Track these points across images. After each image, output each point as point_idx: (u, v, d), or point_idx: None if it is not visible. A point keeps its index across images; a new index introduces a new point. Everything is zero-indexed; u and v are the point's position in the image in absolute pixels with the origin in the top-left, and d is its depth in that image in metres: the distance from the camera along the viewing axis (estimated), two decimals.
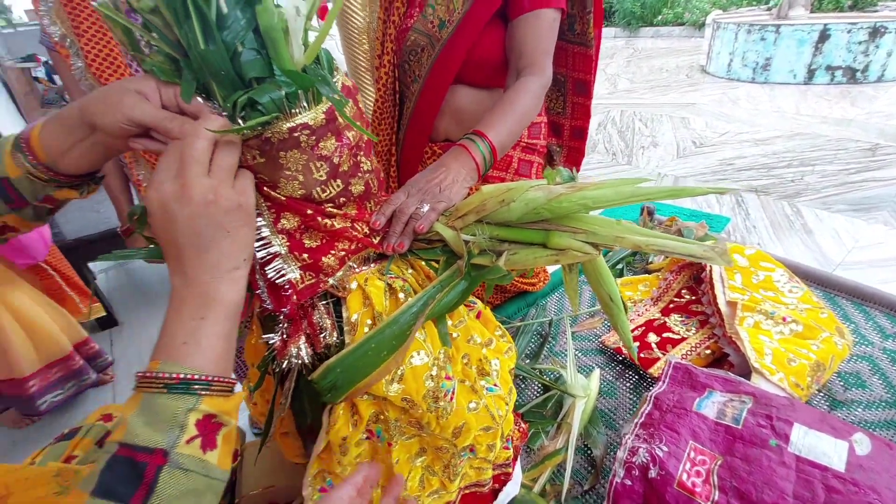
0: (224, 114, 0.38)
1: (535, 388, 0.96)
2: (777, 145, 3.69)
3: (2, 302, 1.52)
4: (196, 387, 0.35)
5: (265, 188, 0.42)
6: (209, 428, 0.35)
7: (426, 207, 0.54)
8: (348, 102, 0.44)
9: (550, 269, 1.32)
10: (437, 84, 0.92)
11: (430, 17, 0.90)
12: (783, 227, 2.57)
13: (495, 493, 0.72)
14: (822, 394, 0.85)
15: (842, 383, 0.87)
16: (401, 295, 0.50)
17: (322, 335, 0.47)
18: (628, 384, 0.94)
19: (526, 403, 0.92)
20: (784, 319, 0.87)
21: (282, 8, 0.37)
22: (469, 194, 0.62)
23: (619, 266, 1.30)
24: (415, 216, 0.53)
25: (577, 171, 1.30)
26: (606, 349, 1.02)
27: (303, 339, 0.46)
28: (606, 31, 10.65)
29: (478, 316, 0.63)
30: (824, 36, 5.14)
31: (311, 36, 0.41)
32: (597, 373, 0.93)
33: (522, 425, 0.78)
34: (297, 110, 0.39)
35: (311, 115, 0.40)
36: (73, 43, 1.08)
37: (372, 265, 0.52)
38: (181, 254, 0.37)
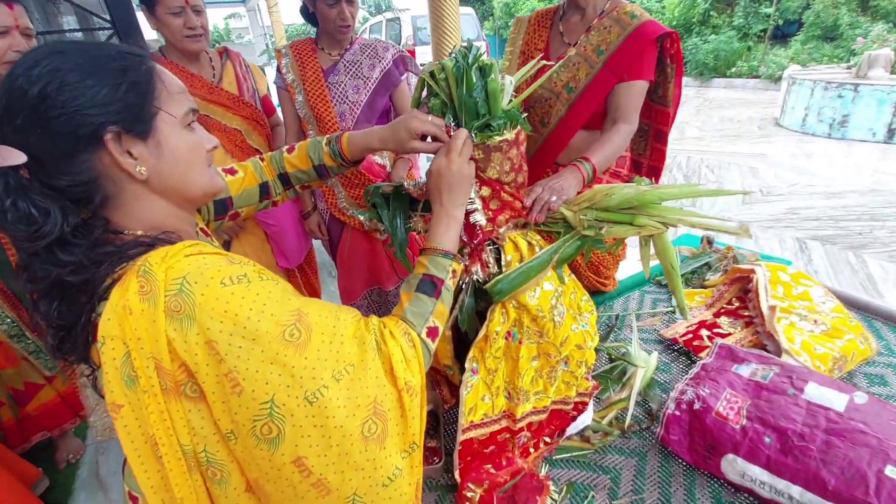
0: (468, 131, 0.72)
1: (604, 360, 1.22)
2: (849, 199, 3.71)
3: None
4: (451, 255, 0.69)
5: (479, 171, 0.76)
6: (454, 275, 0.69)
7: (555, 198, 0.86)
8: (528, 128, 0.79)
9: (619, 276, 1.58)
10: (563, 131, 1.28)
11: (555, 79, 1.26)
12: (845, 275, 2.64)
13: (574, 418, 0.98)
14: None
15: (867, 381, 1.06)
16: (537, 248, 0.81)
17: (488, 265, 0.79)
18: (681, 366, 1.18)
19: (596, 370, 1.18)
20: (815, 322, 1.09)
21: (500, 78, 0.71)
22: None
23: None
24: (548, 201, 0.85)
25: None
26: (664, 340, 1.26)
27: (478, 265, 0.78)
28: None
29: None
30: None
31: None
32: (655, 353, 1.18)
33: (594, 382, 1.04)
34: (503, 131, 0.73)
35: (510, 135, 0.74)
36: (299, 85, 1.60)
37: (520, 230, 0.84)
38: (441, 195, 0.71)
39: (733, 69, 10.01)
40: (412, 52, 8.12)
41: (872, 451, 0.72)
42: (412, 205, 0.87)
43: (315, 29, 1.69)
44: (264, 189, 0.85)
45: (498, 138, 0.73)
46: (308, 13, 1.66)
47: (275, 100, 1.84)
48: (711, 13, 10.90)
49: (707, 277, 1.53)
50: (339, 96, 1.66)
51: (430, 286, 0.66)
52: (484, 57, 0.73)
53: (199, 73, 1.59)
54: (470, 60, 0.71)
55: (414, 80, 1.89)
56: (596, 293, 1.50)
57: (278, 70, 1.68)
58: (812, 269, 2.73)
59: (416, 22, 8.26)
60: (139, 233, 0.57)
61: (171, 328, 0.48)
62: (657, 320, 1.37)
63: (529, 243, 0.83)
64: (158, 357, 0.49)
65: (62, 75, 0.51)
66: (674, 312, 1.40)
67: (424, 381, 0.61)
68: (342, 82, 1.66)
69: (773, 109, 7.02)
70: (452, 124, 0.73)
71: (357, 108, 1.66)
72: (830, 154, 4.99)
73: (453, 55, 0.72)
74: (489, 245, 0.82)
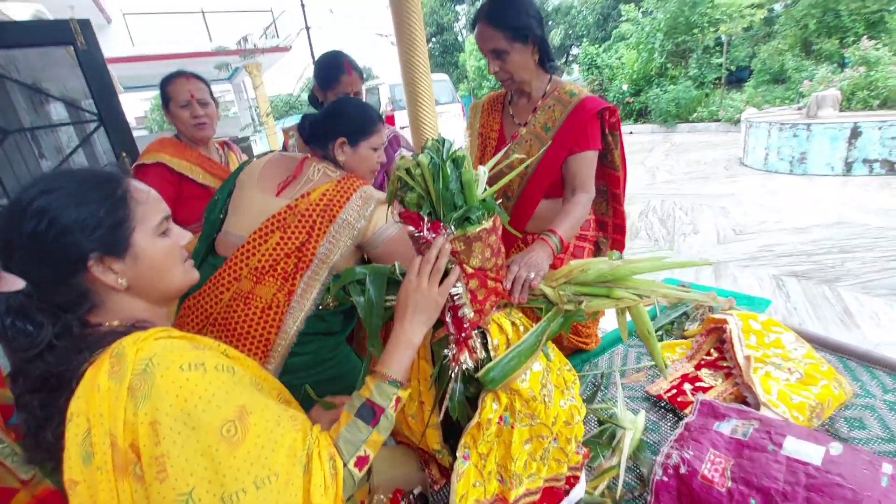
0: (446, 232, 0.76)
1: (592, 423, 1.22)
2: (817, 233, 3.87)
3: None
4: (398, 383, 0.71)
5: (462, 263, 0.79)
6: (397, 402, 0.71)
7: (533, 274, 0.91)
8: (505, 217, 0.84)
9: (601, 332, 1.61)
10: (526, 202, 1.37)
11: (512, 156, 1.35)
12: (823, 309, 2.70)
13: (566, 492, 0.98)
14: (829, 433, 1.06)
15: (847, 426, 1.08)
16: (521, 328, 0.85)
17: (475, 351, 0.82)
18: (668, 423, 1.18)
19: (586, 435, 1.18)
20: (789, 370, 1.12)
21: (473, 171, 0.77)
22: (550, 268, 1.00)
23: (660, 332, 1.57)
24: (527, 280, 0.89)
25: (622, 253, 1.66)
26: (650, 397, 1.27)
27: (466, 353, 0.80)
28: (644, 127, 11.43)
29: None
30: (856, 132, 5.43)
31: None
32: (642, 413, 1.19)
33: (584, 450, 1.05)
34: (482, 221, 0.78)
35: (488, 224, 0.79)
36: None
37: (502, 309, 0.88)
38: (405, 312, 0.75)
39: (695, 114, 10.67)
40: (391, 118, 8.54)
41: None
42: (390, 287, 0.90)
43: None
44: None
45: (478, 228, 0.77)
46: (316, 102, 1.83)
47: None
48: (668, 66, 11.76)
49: (686, 327, 1.57)
50: None
51: (370, 413, 0.68)
52: (456, 149, 0.78)
53: (208, 156, 1.82)
54: (444, 155, 0.76)
55: (405, 153, 2.01)
56: (578, 352, 1.52)
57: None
58: (791, 305, 2.80)
59: (394, 90, 8.74)
60: (115, 323, 0.64)
61: (129, 405, 0.52)
62: (642, 376, 1.39)
63: (513, 323, 0.86)
64: (115, 433, 0.52)
65: (50, 214, 0.58)
66: (656, 366, 1.42)
67: None
68: None
69: (736, 150, 7.43)
70: (426, 218, 0.76)
71: None
72: (794, 190, 5.25)
73: (427, 150, 0.77)
74: (474, 330, 0.84)
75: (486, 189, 0.79)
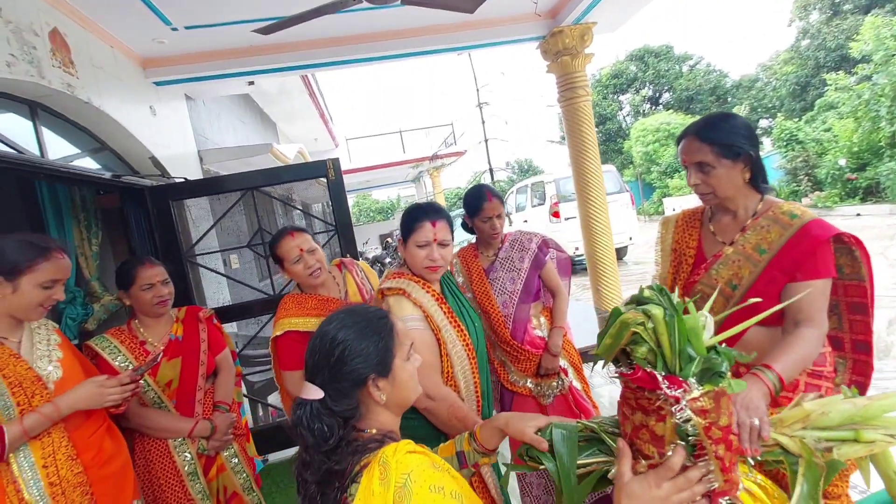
0: (689, 389, 0.68)
1: None
2: None
3: None
4: None
5: (712, 426, 0.66)
6: None
7: (756, 420, 0.83)
8: (747, 358, 0.76)
9: (855, 493, 1.28)
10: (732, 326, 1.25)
11: (715, 276, 1.28)
12: None
13: None
14: None
15: None
16: (772, 491, 0.76)
17: None
18: None
19: None
20: None
21: (695, 318, 0.73)
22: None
23: None
24: (753, 428, 0.82)
25: (868, 381, 1.34)
26: None
27: None
28: (877, 208, 9.28)
29: None
30: None
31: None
32: None
33: None
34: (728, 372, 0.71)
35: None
36: (468, 284, 2.04)
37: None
38: None
39: None
40: (556, 214, 8.75)
41: None
42: (592, 444, 0.83)
43: (475, 237, 2.11)
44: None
45: (722, 383, 0.67)
46: (468, 227, 2.09)
47: None
48: None
49: None
50: (499, 289, 1.99)
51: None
52: (674, 298, 0.73)
53: (328, 294, 1.83)
54: (674, 304, 0.70)
55: (555, 254, 2.12)
56: None
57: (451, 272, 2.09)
58: None
59: (559, 183, 9.02)
60: (374, 432, 0.81)
61: None
62: None
63: (760, 485, 0.79)
64: None
65: (348, 344, 0.82)
66: None
67: None
68: (501, 277, 2.00)
69: None
70: (662, 376, 0.68)
71: (515, 296, 1.97)
72: None
73: (651, 300, 0.73)
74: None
75: (712, 336, 0.75)
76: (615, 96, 21.88)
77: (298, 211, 7.25)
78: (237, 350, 2.25)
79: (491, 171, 5.45)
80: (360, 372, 0.80)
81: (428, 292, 1.37)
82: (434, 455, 0.78)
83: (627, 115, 21.87)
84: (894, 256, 5.98)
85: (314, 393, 0.80)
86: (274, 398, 3.59)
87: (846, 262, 1.24)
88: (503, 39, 3.96)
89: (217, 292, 3.85)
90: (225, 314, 3.15)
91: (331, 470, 0.75)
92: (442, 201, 13.57)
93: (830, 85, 11.46)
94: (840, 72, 11.63)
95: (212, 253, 3.50)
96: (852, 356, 1.34)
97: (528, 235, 2.06)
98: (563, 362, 2.01)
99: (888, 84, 9.46)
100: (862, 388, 1.32)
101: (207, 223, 3.49)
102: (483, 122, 5.05)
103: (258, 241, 3.36)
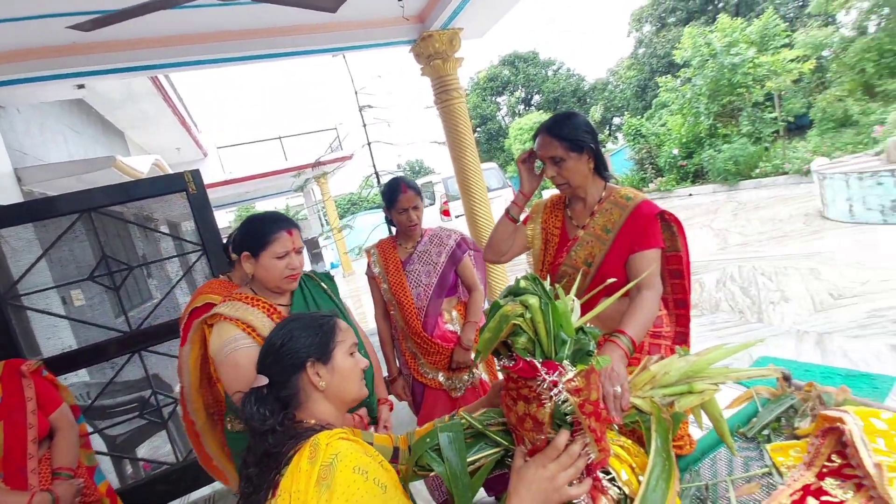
0: (564, 372, 0.70)
1: None
2: None
3: None
4: None
5: (585, 402, 0.70)
6: None
7: (619, 388, 0.91)
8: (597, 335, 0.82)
9: (696, 435, 1.49)
10: (590, 301, 1.36)
11: (574, 257, 1.40)
12: None
13: None
14: None
15: None
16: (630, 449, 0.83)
17: (608, 491, 0.76)
18: None
19: None
20: None
21: (565, 303, 0.77)
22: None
23: (766, 432, 1.43)
24: (617, 396, 0.89)
25: (688, 330, 1.59)
26: None
27: (604, 499, 0.74)
28: (703, 188, 11.13)
29: None
30: None
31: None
32: None
33: None
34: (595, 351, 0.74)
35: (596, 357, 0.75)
36: (384, 276, 2.05)
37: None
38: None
39: (757, 170, 10.25)
40: (447, 213, 9.00)
41: None
42: (479, 439, 0.83)
43: (395, 229, 2.11)
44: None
45: (591, 361, 0.71)
46: (388, 220, 2.09)
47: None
48: (717, 126, 11.65)
49: (796, 425, 1.41)
50: (414, 281, 2.00)
51: None
52: (546, 285, 0.76)
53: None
54: (547, 292, 0.72)
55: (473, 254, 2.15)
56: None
57: (368, 265, 2.08)
58: None
59: (447, 182, 9.30)
60: (312, 422, 0.87)
61: (316, 488, 0.69)
62: (755, 487, 1.24)
63: (621, 446, 0.85)
64: None
65: (292, 332, 0.93)
66: (769, 473, 1.27)
67: None
68: (417, 270, 2.01)
69: (813, 202, 6.95)
70: (540, 363, 0.69)
71: (430, 289, 2.00)
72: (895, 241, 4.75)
73: (526, 291, 0.74)
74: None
75: (579, 318, 0.79)
76: (493, 98, 23.16)
77: (160, 233, 6.39)
78: (82, 404, 1.90)
79: (377, 174, 5.37)
80: (299, 354, 0.90)
81: (255, 307, 1.31)
82: (369, 447, 0.81)
83: (506, 115, 23.29)
84: (718, 227, 7.23)
85: (261, 380, 0.89)
86: (144, 450, 3.11)
87: (667, 236, 1.45)
88: (375, 42, 3.92)
89: (54, 337, 3.23)
90: (69, 361, 2.65)
91: (268, 452, 0.80)
92: (332, 209, 13.05)
93: (662, 87, 13.42)
94: (668, 76, 13.68)
95: (43, 290, 2.91)
96: (675, 312, 1.60)
97: (447, 231, 2.10)
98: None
99: (704, 85, 11.41)
100: (685, 336, 1.57)
101: (34, 256, 2.91)
102: (364, 126, 4.96)
103: (103, 272, 2.87)
